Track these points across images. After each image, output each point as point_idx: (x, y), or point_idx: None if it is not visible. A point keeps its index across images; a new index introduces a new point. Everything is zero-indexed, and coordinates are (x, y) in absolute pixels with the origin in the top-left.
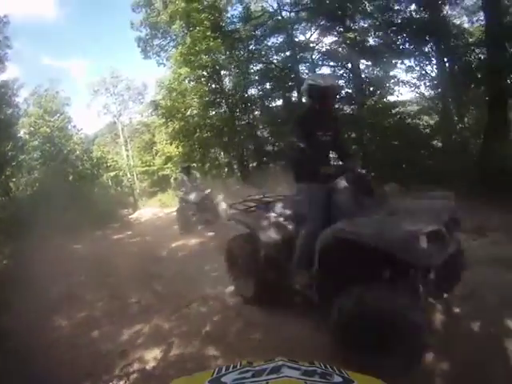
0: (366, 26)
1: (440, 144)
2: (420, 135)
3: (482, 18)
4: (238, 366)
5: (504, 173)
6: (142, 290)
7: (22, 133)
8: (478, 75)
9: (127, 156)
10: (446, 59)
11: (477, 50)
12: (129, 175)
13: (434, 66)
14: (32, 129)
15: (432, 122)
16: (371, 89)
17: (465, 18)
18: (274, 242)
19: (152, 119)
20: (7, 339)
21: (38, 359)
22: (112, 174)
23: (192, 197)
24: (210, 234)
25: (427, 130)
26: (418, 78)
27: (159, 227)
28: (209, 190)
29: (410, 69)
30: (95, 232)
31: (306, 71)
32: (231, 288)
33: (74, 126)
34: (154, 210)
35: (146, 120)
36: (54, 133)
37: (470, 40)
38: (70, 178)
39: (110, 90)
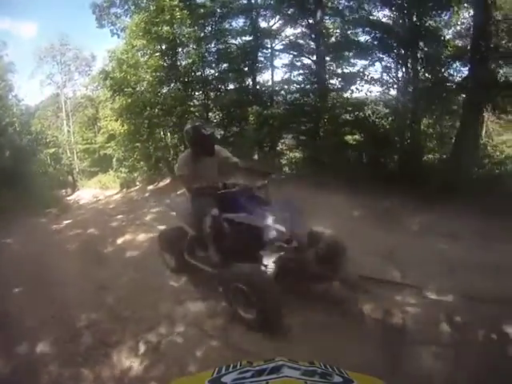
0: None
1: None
2: (381, 134)
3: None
4: (238, 366)
5: (475, 179)
6: (92, 309)
7: None
8: (453, 86)
9: (68, 132)
10: (419, 67)
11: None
12: (68, 153)
13: (406, 70)
14: None
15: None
16: (335, 83)
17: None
18: None
19: (97, 93)
20: None
21: None
22: (51, 150)
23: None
24: None
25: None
26: (386, 80)
27: (101, 213)
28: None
29: (385, 69)
30: (31, 219)
31: (263, 58)
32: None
33: (15, 96)
34: (94, 192)
35: (91, 94)
36: None
37: (449, 53)
38: (7, 153)
39: (56, 59)
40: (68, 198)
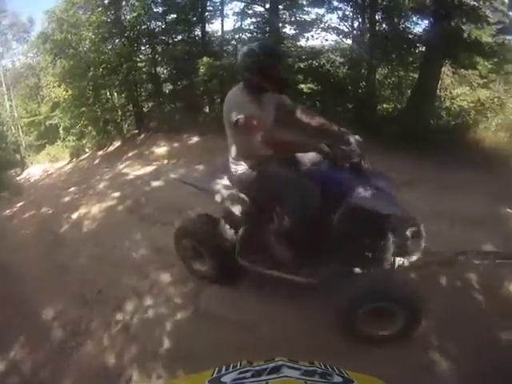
0: None
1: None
2: (335, 83)
3: None
4: (238, 366)
5: (432, 130)
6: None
7: None
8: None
9: (10, 106)
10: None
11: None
12: (13, 129)
13: (363, 20)
14: None
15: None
16: (289, 31)
17: None
18: None
19: (38, 60)
20: None
21: None
22: None
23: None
24: None
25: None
26: (342, 30)
27: (52, 188)
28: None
29: (342, 18)
30: None
31: (212, 8)
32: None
33: None
34: (44, 166)
35: (31, 62)
36: None
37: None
38: None
39: None
40: (18, 178)
